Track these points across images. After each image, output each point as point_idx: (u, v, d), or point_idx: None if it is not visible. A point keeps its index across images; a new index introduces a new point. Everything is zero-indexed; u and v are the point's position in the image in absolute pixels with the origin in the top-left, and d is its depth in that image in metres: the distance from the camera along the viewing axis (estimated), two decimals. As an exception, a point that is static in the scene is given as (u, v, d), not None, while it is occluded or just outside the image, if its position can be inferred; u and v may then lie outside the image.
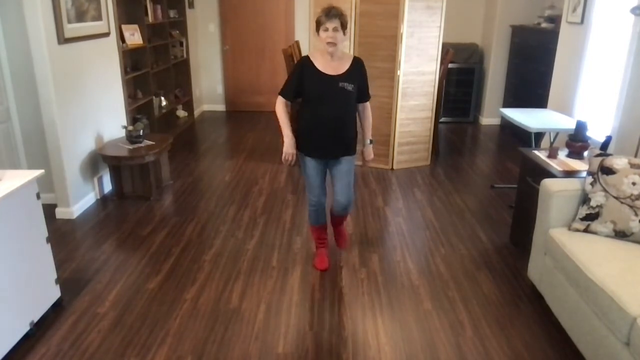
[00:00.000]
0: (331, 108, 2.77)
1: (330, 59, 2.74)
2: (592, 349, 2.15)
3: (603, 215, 2.47)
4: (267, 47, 7.17)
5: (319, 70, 2.75)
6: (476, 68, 6.68)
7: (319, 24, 2.67)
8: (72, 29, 3.69)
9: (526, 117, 3.97)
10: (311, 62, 2.77)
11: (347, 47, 4.71)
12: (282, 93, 2.84)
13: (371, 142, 3.00)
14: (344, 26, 2.65)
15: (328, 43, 2.66)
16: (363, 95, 2.89)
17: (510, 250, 3.38)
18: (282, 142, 2.87)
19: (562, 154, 3.20)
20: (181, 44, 6.51)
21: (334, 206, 3.04)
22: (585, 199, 2.56)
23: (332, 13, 2.62)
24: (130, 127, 4.18)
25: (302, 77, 2.77)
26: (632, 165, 2.45)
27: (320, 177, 2.96)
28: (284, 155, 2.84)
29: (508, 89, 6.49)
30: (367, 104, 2.96)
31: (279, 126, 2.86)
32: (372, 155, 3.03)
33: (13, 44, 3.56)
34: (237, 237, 3.52)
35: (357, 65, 2.81)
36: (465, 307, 2.74)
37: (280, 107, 2.84)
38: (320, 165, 2.93)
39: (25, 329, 2.41)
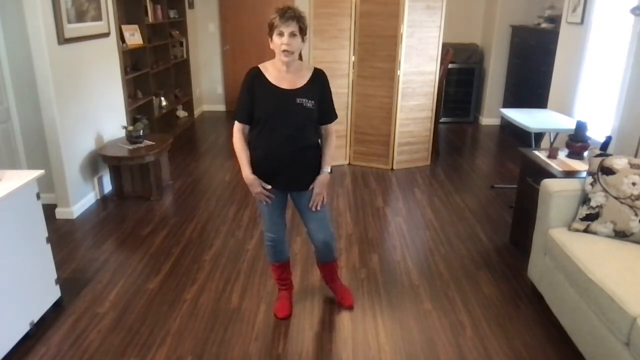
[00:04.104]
0: (288, 129, 2.27)
1: (285, 70, 2.28)
2: (592, 349, 2.15)
3: (603, 216, 2.47)
4: (267, 47, 7.03)
5: (272, 84, 2.28)
6: (476, 68, 6.68)
7: (272, 28, 2.21)
8: (72, 29, 3.70)
9: (526, 117, 3.97)
10: (262, 73, 2.32)
11: (347, 48, 4.72)
12: (237, 117, 2.33)
13: (330, 171, 2.43)
14: (302, 31, 2.19)
15: (283, 51, 2.20)
16: (326, 115, 2.37)
17: (510, 250, 3.38)
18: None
19: (562, 154, 3.20)
20: (181, 44, 6.51)
21: (315, 249, 2.57)
22: (585, 199, 2.56)
23: (288, 14, 2.15)
24: (130, 127, 4.19)
25: (253, 93, 2.30)
26: (632, 166, 2.45)
27: (276, 213, 2.47)
28: (255, 197, 2.42)
29: (508, 89, 6.49)
30: (332, 127, 2.42)
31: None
32: (323, 188, 2.39)
33: (13, 44, 3.57)
34: (237, 237, 3.52)
35: (319, 78, 2.33)
36: (465, 307, 2.74)
37: (237, 137, 2.34)
38: (279, 198, 2.44)
39: (25, 329, 2.41)
